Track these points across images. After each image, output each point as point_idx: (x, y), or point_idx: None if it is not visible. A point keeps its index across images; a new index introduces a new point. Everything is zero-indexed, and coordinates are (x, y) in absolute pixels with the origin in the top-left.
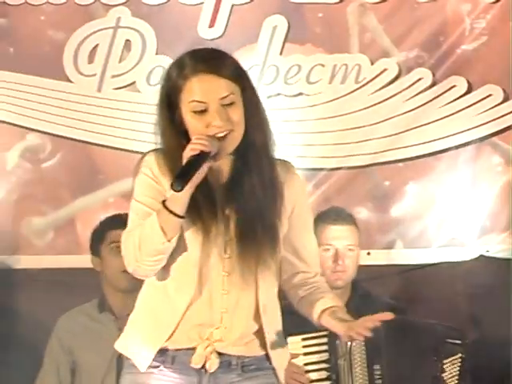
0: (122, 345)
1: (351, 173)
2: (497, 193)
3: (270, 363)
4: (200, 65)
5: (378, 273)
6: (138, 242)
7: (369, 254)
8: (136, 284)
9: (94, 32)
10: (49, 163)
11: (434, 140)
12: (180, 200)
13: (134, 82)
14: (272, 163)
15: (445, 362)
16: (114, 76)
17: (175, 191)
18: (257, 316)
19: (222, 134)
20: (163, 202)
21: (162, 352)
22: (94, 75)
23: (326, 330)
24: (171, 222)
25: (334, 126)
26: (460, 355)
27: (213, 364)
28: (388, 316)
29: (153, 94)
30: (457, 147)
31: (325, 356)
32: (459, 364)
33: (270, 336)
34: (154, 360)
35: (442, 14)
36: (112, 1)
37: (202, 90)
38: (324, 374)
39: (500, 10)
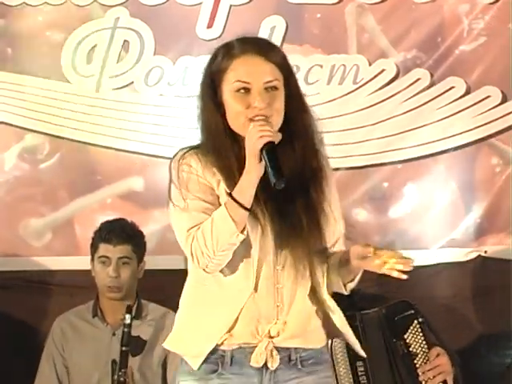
0: (172, 343)
1: (349, 174)
2: (495, 194)
3: (327, 356)
4: (249, 46)
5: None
6: (210, 237)
7: None
8: (122, 295)
9: (92, 32)
10: (47, 164)
11: (433, 141)
12: (247, 191)
13: (132, 83)
14: (315, 152)
15: (405, 336)
16: (112, 76)
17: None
18: (312, 307)
19: (261, 117)
20: (230, 194)
21: (219, 353)
22: (92, 76)
23: None
24: (240, 214)
25: (332, 126)
26: (416, 322)
27: (274, 361)
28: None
29: (151, 95)
30: (455, 148)
31: None
32: (420, 329)
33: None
34: (212, 363)
35: (440, 14)
36: (110, 1)
37: (247, 70)
38: None
39: (498, 10)
